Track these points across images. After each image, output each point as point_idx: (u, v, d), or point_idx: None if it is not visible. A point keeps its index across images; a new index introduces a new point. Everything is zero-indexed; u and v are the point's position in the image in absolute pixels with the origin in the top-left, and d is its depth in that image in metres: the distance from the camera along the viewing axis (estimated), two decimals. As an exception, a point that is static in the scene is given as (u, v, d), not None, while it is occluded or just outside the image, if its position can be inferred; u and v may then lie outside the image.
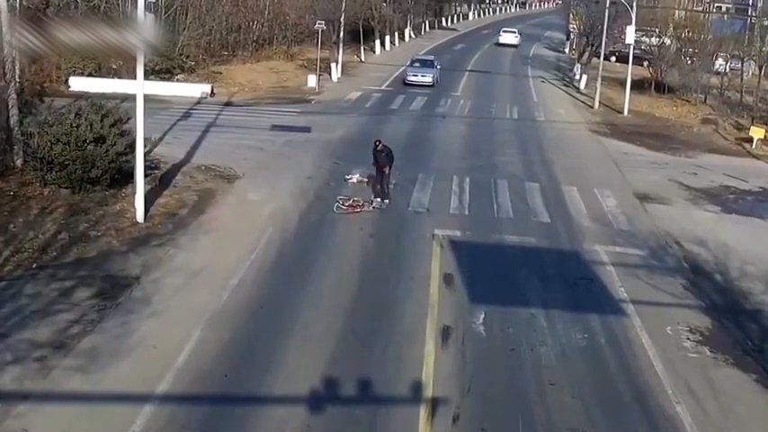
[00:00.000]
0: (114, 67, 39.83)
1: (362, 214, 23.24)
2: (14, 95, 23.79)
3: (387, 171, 24.12)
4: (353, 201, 23.92)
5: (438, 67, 50.69)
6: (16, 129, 23.60)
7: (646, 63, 53.24)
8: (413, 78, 48.31)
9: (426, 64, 50.39)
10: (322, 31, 46.36)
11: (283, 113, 37.81)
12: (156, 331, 15.36)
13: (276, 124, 34.84)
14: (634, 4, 45.47)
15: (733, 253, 21.66)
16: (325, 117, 37.45)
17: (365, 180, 25.67)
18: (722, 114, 44.56)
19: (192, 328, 15.47)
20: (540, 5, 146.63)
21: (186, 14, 49.65)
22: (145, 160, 21.96)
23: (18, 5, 33.19)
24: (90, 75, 39.07)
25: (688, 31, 54.36)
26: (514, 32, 77.86)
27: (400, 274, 19.06)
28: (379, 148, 24.21)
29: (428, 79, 48.20)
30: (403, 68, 50.99)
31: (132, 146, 21.85)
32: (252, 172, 26.86)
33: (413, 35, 78.16)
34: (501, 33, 78.01)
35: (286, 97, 42.56)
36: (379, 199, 23.91)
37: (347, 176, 26.45)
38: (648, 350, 15.85)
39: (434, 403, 13.38)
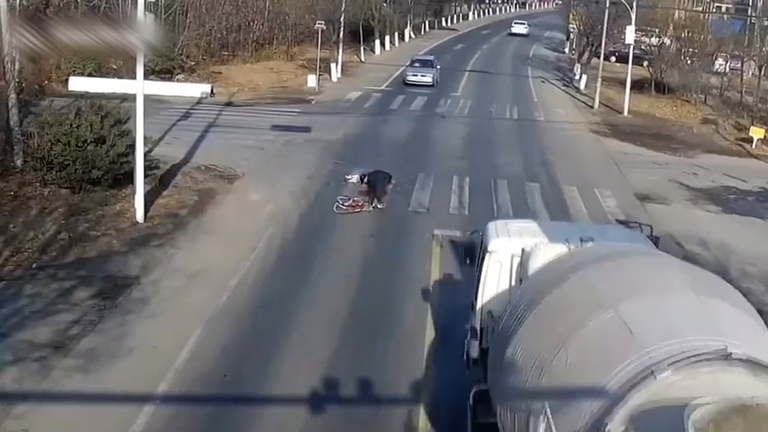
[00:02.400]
0: (114, 67, 39.82)
1: (362, 214, 23.24)
2: (14, 95, 23.78)
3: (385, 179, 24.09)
4: (353, 201, 23.91)
5: (438, 67, 50.67)
6: (16, 129, 23.59)
7: (646, 63, 53.22)
8: (412, 78, 48.36)
9: (426, 64, 50.41)
10: (322, 31, 46.34)
11: (283, 113, 37.78)
12: (156, 332, 15.35)
13: (276, 124, 34.81)
14: (634, 4, 45.43)
15: (733, 253, 21.64)
16: (325, 117, 37.43)
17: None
18: (722, 114, 44.53)
19: (191, 328, 15.47)
20: (539, 5, 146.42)
21: (186, 14, 49.63)
22: (145, 160, 21.95)
23: (18, 5, 33.17)
24: (90, 75, 39.06)
25: (688, 32, 54.32)
26: (524, 24, 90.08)
27: (400, 274, 19.05)
28: (365, 181, 24.22)
29: (428, 79, 48.21)
30: (403, 68, 50.98)
31: (132, 146, 21.84)
32: (252, 172, 26.85)
33: (413, 35, 78.13)
34: (513, 25, 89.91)
35: (286, 97, 42.54)
36: (376, 201, 23.90)
37: (347, 176, 26.41)
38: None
39: (433, 402, 13.40)
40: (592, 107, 45.74)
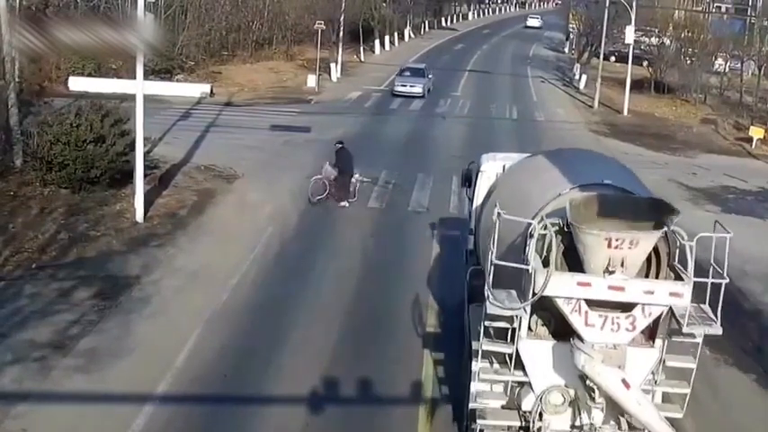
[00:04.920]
0: (114, 67, 39.83)
1: (362, 214, 23.25)
2: (14, 95, 23.78)
3: (345, 173, 23.86)
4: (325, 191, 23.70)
5: (430, 75, 46.89)
6: (16, 129, 23.59)
7: (645, 63, 53.23)
8: (401, 89, 44.59)
9: (417, 73, 46.39)
10: (322, 31, 46.34)
11: (283, 113, 37.80)
12: (156, 331, 15.36)
13: (276, 124, 34.84)
14: (634, 4, 45.45)
15: (733, 253, 21.57)
16: (324, 117, 37.44)
17: (365, 180, 25.57)
18: (722, 114, 44.55)
19: (191, 328, 15.48)
20: (539, 5, 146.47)
21: (186, 14, 49.66)
22: (144, 160, 21.95)
23: (18, 5, 33.17)
24: (90, 75, 39.06)
25: (688, 31, 54.35)
26: (538, 18, 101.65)
27: (400, 273, 19.06)
28: (337, 150, 24.11)
29: (418, 90, 44.45)
30: (402, 69, 50.88)
31: (132, 146, 21.84)
32: (251, 172, 26.86)
33: (412, 35, 78.19)
34: (528, 19, 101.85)
35: (285, 97, 42.55)
36: (342, 200, 23.80)
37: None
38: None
39: (433, 404, 13.42)
40: (591, 107, 45.77)
